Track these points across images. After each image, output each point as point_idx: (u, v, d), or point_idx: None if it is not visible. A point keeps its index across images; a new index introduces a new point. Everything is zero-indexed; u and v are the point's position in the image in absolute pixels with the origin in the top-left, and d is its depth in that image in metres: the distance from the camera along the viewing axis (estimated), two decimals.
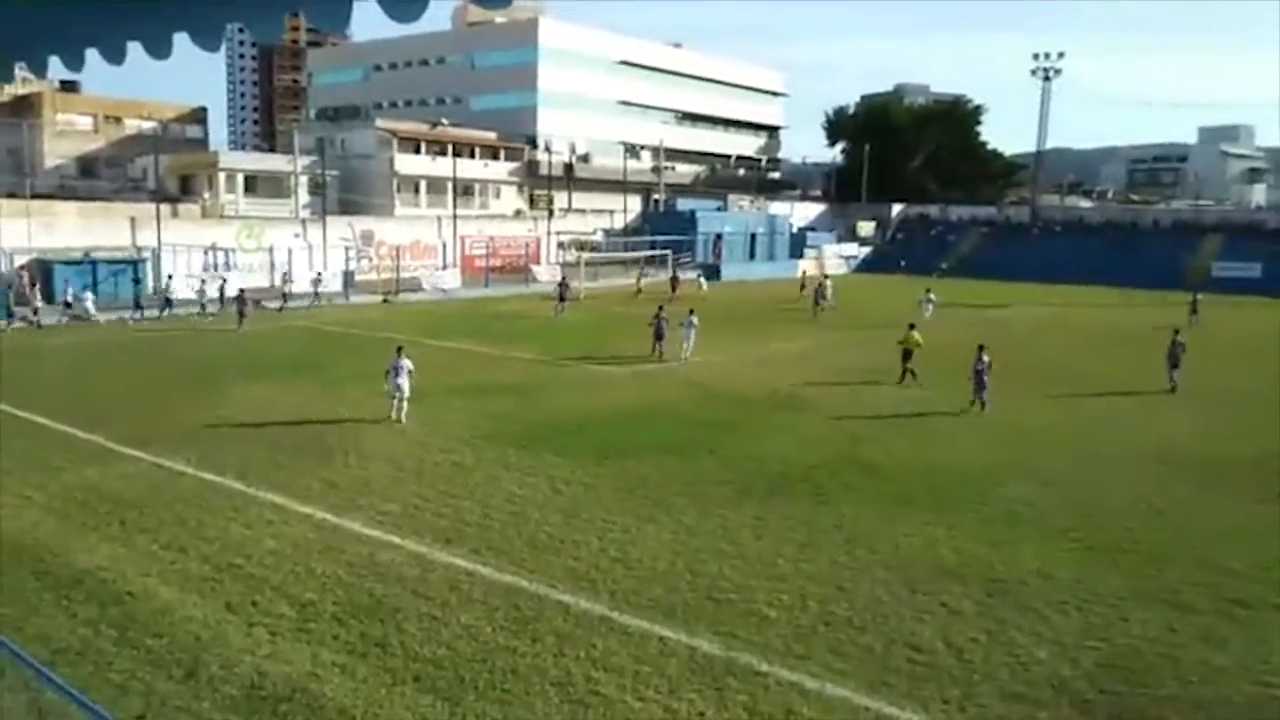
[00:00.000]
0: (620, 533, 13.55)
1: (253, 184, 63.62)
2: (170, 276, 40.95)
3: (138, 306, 37.77)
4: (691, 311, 30.92)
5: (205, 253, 44.44)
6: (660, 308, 30.97)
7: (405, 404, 20.09)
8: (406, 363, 20.19)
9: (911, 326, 27.10)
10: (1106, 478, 17.21)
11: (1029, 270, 64.62)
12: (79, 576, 11.51)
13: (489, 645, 10.00)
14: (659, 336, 29.67)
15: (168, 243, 43.15)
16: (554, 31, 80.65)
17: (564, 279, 44.45)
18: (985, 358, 22.71)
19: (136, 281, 40.87)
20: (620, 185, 75.62)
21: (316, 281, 44.00)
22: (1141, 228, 76.09)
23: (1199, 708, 9.15)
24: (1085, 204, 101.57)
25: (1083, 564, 12.77)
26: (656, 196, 79.54)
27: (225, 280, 40.74)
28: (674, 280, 51.11)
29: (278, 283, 43.30)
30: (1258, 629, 10.87)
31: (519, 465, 16.95)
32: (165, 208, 47.48)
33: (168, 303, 38.35)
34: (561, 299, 42.19)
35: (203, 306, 38.57)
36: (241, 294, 36.21)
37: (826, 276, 47.26)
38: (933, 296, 40.54)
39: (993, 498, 15.67)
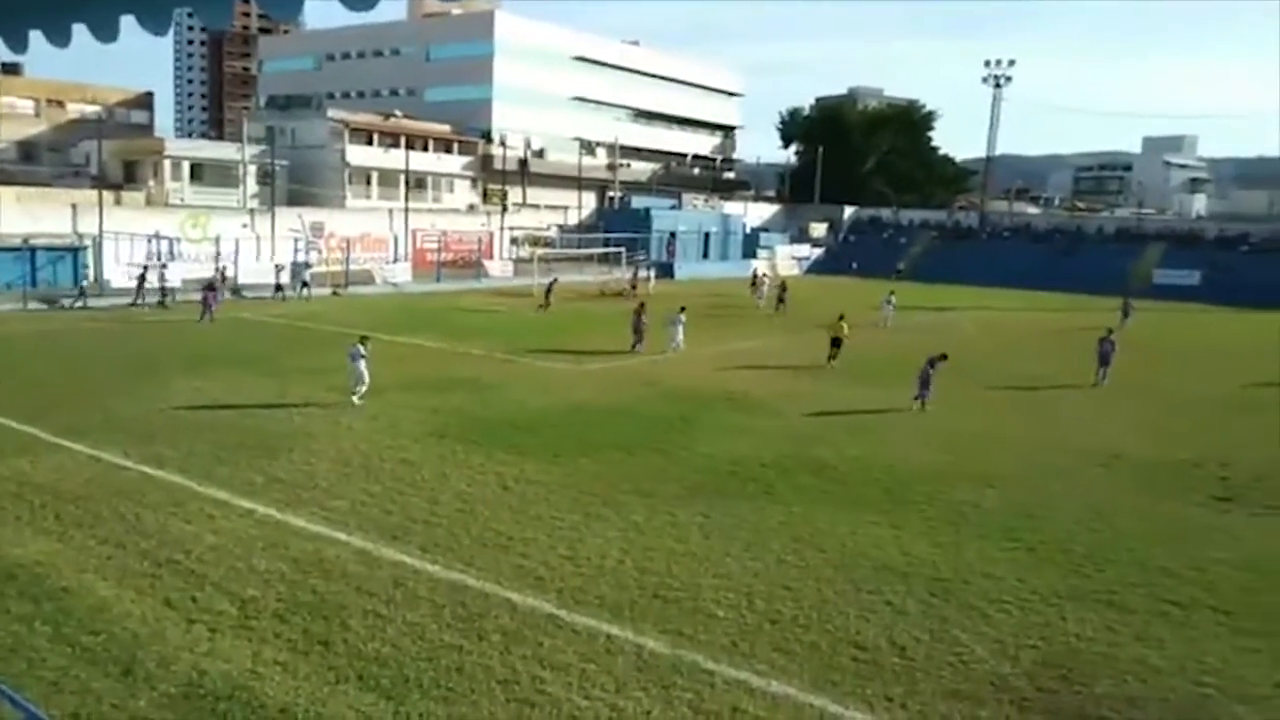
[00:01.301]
0: (569, 530, 13.51)
1: (199, 172, 62.51)
2: (85, 266, 40.10)
3: (81, 294, 36.89)
4: (682, 309, 31.63)
5: (149, 241, 43.48)
6: (641, 305, 31.59)
7: (362, 388, 20.95)
8: (360, 348, 21.06)
9: (841, 317, 29.71)
10: (1048, 479, 17.52)
11: (977, 274, 65.69)
12: (12, 571, 11.20)
13: (434, 643, 9.91)
14: (637, 332, 30.22)
15: (110, 231, 42.18)
16: (510, 25, 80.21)
17: (554, 279, 44.58)
18: (936, 367, 23.16)
19: (84, 266, 39.90)
20: (575, 181, 75.44)
21: (298, 272, 43.51)
22: (1086, 234, 77.66)
23: (1135, 706, 9.34)
24: (1033, 210, 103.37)
25: (1024, 564, 12.99)
26: (611, 193, 79.50)
27: (163, 268, 39.82)
28: (634, 279, 51.30)
29: (225, 273, 42.51)
30: (1192, 629, 11.14)
31: (469, 462, 16.83)
32: (108, 195, 46.40)
33: (81, 293, 37.42)
34: (547, 296, 42.38)
35: (143, 297, 37.67)
36: (211, 284, 35.43)
37: (780, 281, 47.88)
38: (893, 299, 41.18)
39: (938, 498, 15.87)
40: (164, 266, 39.91)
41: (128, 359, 26.00)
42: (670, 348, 30.30)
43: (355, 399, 20.91)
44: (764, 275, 51.93)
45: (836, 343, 29.27)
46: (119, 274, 40.25)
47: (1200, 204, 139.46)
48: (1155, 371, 30.71)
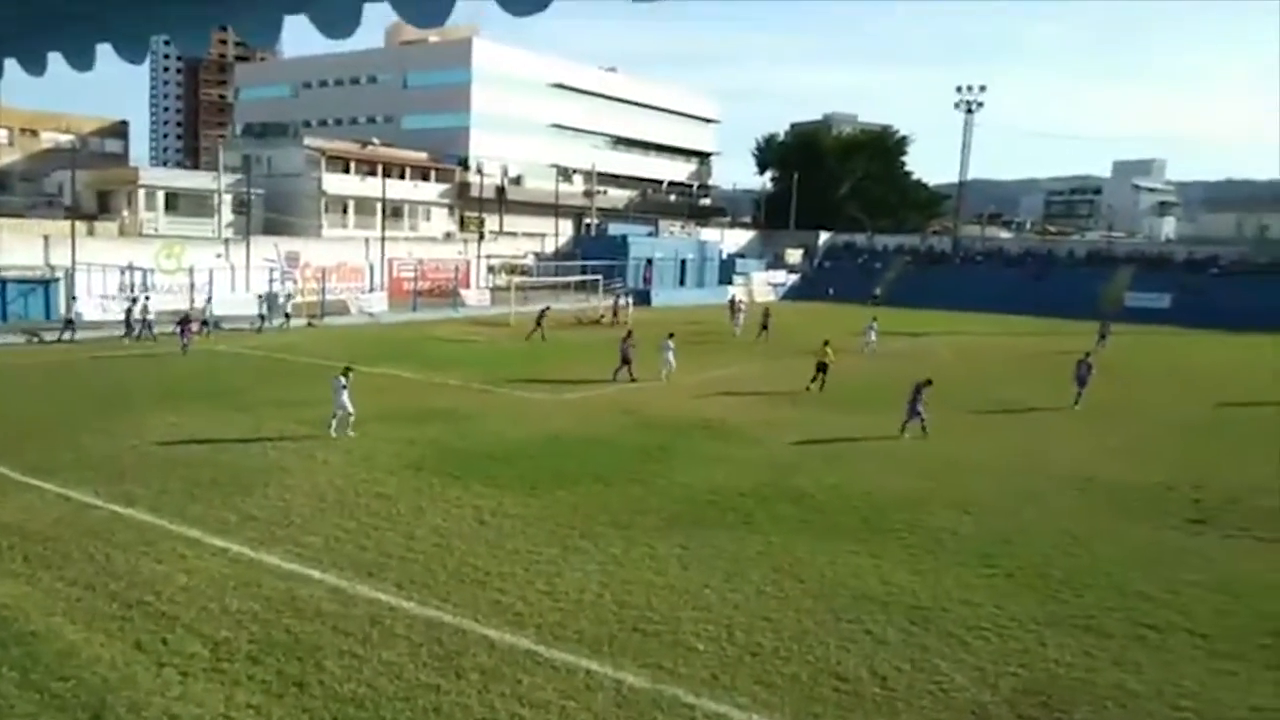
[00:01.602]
0: (547, 564, 13.42)
1: (174, 202, 62.21)
2: (74, 298, 39.55)
3: (69, 325, 36.43)
4: (670, 335, 31.71)
5: (122, 273, 43.18)
6: (629, 332, 31.68)
7: (348, 419, 20.93)
8: (343, 380, 20.98)
9: (826, 343, 30.24)
10: (1025, 504, 17.60)
11: (951, 298, 66.20)
12: None
13: (411, 683, 9.79)
14: (626, 360, 30.33)
15: (82, 262, 41.84)
16: (488, 53, 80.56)
17: (546, 307, 44.63)
18: (923, 393, 23.16)
19: (73, 298, 39.60)
20: (552, 209, 75.65)
21: (278, 302, 43.33)
22: (1058, 258, 78.52)
23: None
24: (1005, 234, 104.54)
25: (1002, 590, 13.02)
26: (588, 220, 79.74)
27: (147, 300, 39.36)
28: (616, 307, 51.29)
29: (200, 304, 42.21)
30: (1169, 653, 11.18)
31: (445, 495, 16.71)
32: (81, 225, 46.08)
33: (68, 324, 36.70)
34: (538, 324, 42.17)
35: (130, 329, 37.12)
36: (185, 316, 35.11)
37: (764, 308, 48.20)
38: (875, 325, 41.48)
39: (917, 525, 15.90)
40: (147, 299, 39.50)
41: (99, 394, 25.71)
42: (662, 374, 30.44)
43: (333, 430, 20.79)
44: (741, 302, 52.20)
45: (822, 368, 29.68)
46: (92, 306, 39.87)
47: (1169, 227, 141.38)
48: (1129, 394, 31.01)
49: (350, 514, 15.44)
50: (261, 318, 42.02)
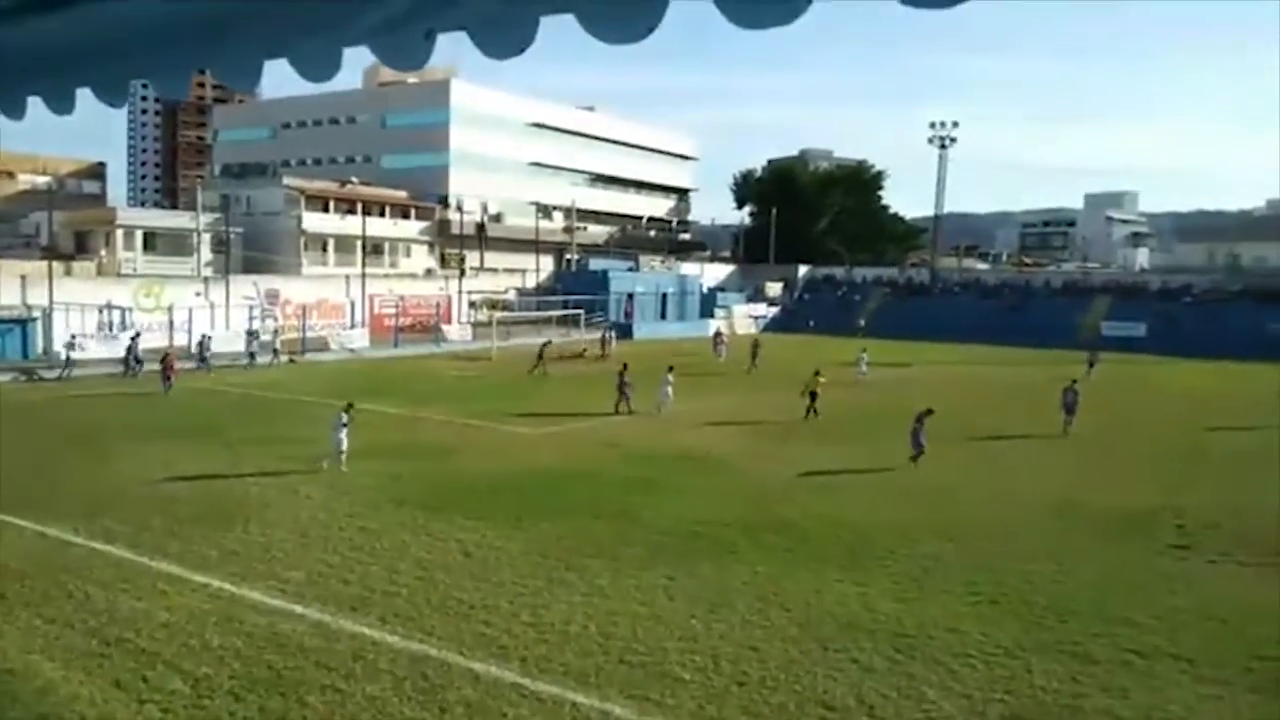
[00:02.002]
0: (532, 596, 13.33)
1: (152, 241, 62.12)
2: (74, 337, 39.40)
3: (69, 363, 36.45)
4: (670, 369, 31.98)
5: (100, 312, 42.90)
6: (624, 366, 31.80)
7: (342, 455, 20.89)
8: (344, 416, 21.10)
9: (817, 372, 30.72)
10: (1010, 531, 17.64)
11: (931, 329, 66.59)
12: None
13: (395, 717, 9.68)
14: (623, 393, 30.52)
15: (60, 301, 41.57)
16: (466, 93, 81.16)
17: (548, 341, 44.55)
18: (922, 421, 23.21)
19: (74, 337, 39.45)
20: (533, 245, 75.88)
21: (259, 338, 43.20)
22: (1035, 289, 79.25)
23: None
24: (981, 266, 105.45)
25: (987, 617, 13.02)
26: (569, 256, 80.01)
27: (137, 337, 39.14)
28: (604, 341, 51.23)
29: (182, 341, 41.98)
30: (1156, 678, 11.19)
31: (429, 529, 16.60)
32: (59, 265, 45.83)
33: (69, 362, 36.72)
34: (540, 357, 42.09)
35: (128, 366, 36.72)
36: (165, 354, 34.66)
37: (753, 340, 48.50)
38: (866, 355, 41.70)
39: (902, 554, 15.90)
40: (137, 335, 39.24)
41: (78, 431, 25.45)
42: (662, 406, 30.59)
43: (325, 465, 20.80)
44: (724, 334, 52.69)
45: (813, 397, 30.17)
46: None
47: (1143, 257, 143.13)
48: (1111, 421, 31.20)
49: (333, 548, 15.31)
50: (251, 355, 41.94)
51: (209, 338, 41.34)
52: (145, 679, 10.37)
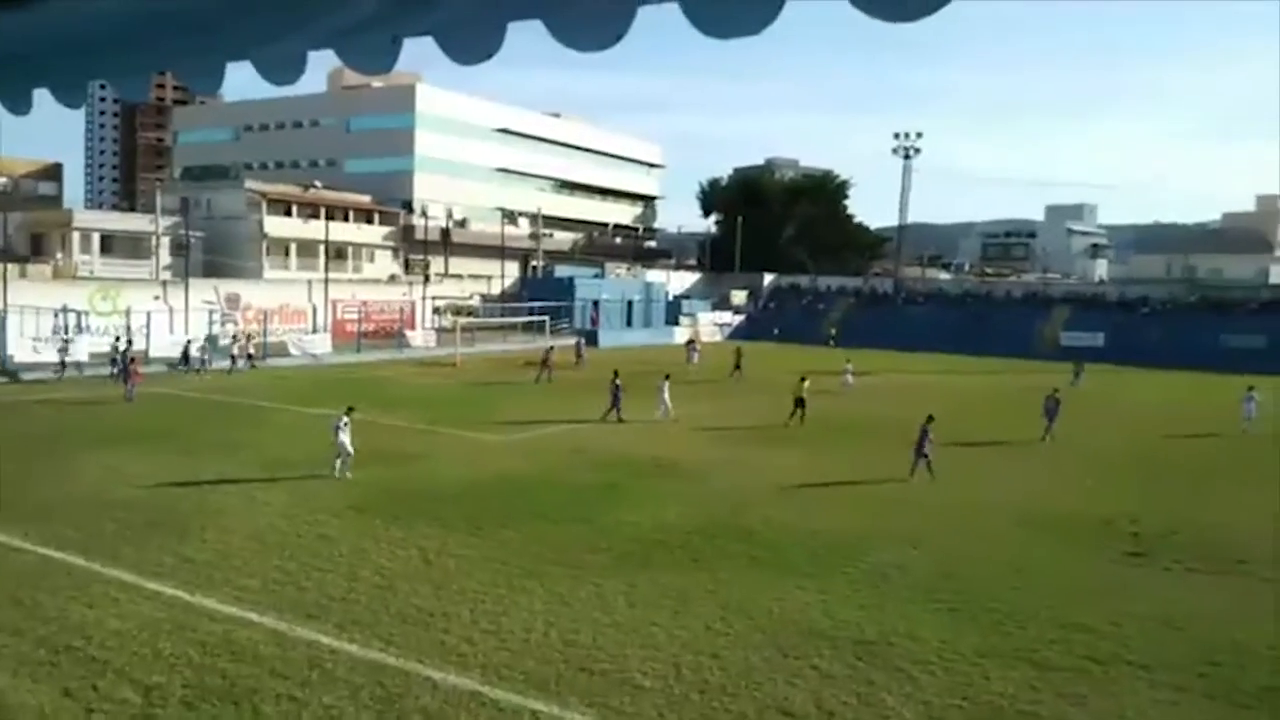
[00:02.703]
0: (493, 604, 13.23)
1: (110, 244, 61.22)
2: (68, 340, 39.35)
3: (64, 366, 36.88)
4: (667, 376, 32.49)
5: (55, 315, 42.14)
6: (615, 373, 31.71)
7: (348, 459, 20.76)
8: (344, 420, 20.91)
9: (803, 379, 31.49)
10: (969, 539, 17.78)
11: (895, 339, 67.14)
12: None
13: None
14: (615, 401, 30.51)
15: (15, 304, 40.77)
16: (431, 98, 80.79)
17: (551, 347, 44.08)
18: (929, 431, 23.03)
19: (67, 340, 39.41)
20: (498, 251, 75.64)
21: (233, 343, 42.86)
22: (996, 299, 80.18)
23: None
24: (945, 276, 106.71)
25: (947, 624, 13.10)
26: (534, 263, 79.83)
27: (130, 344, 38.77)
28: (579, 350, 50.34)
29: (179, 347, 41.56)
30: (1112, 684, 11.31)
31: (389, 536, 16.43)
32: (13, 267, 44.98)
33: (63, 365, 37.18)
34: (544, 364, 41.71)
35: (115, 368, 36.47)
36: (129, 358, 34.17)
37: (736, 348, 48.58)
38: (851, 366, 41.95)
39: (863, 561, 15.97)
40: (129, 343, 38.96)
41: (31, 437, 24.95)
42: (659, 413, 30.73)
43: (336, 473, 20.65)
44: (696, 342, 53.69)
45: (800, 403, 30.72)
46: (24, 349, 38.82)
47: (1102, 269, 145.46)
48: (1074, 430, 31.51)
49: (291, 556, 15.10)
50: (233, 358, 41.72)
51: (191, 342, 41.28)
52: (95, 688, 10.16)
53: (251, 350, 43.13)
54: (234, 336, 44.32)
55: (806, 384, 31.37)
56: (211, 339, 43.82)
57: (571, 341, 59.29)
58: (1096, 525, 19.08)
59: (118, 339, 39.42)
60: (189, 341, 41.55)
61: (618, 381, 30.94)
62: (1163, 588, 15.16)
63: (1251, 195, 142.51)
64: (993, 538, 17.95)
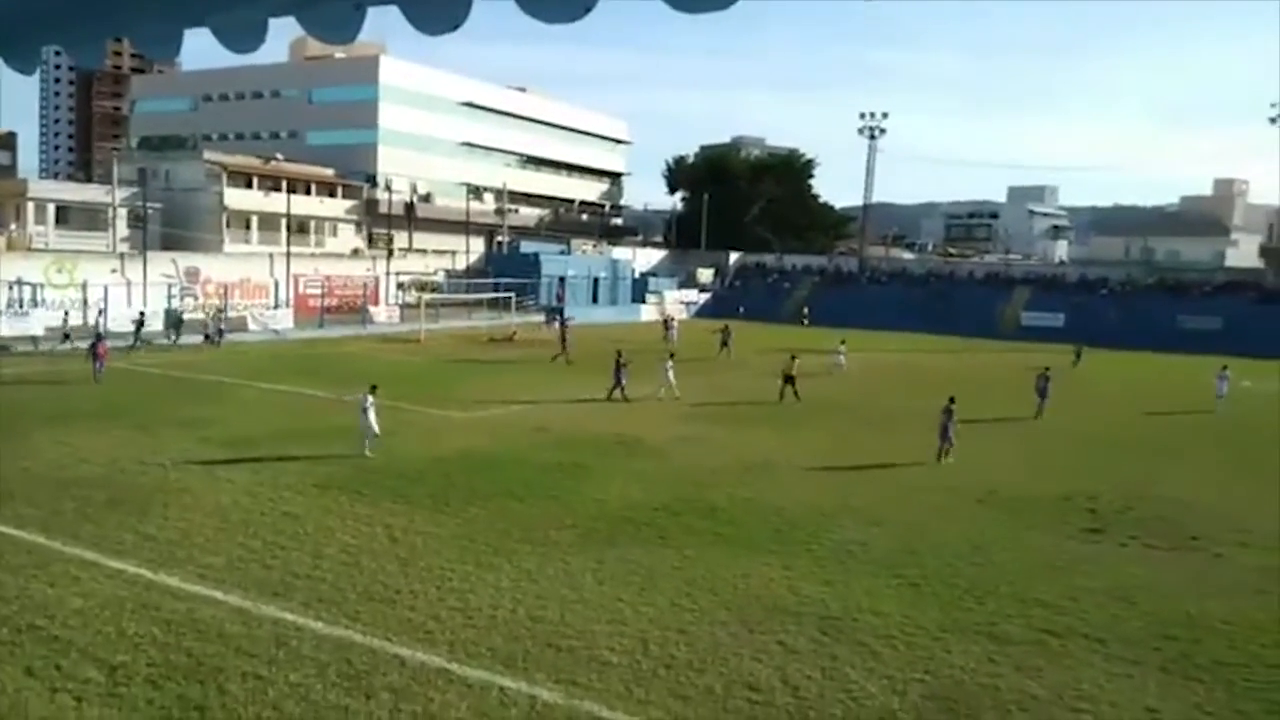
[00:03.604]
0: (460, 581, 13.24)
1: (65, 215, 59.98)
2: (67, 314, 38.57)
3: (66, 338, 36.26)
4: (671, 355, 32.79)
5: (10, 288, 41.29)
6: (619, 353, 31.57)
7: (375, 439, 20.72)
8: (370, 399, 20.93)
9: (793, 356, 32.21)
10: (931, 516, 18.04)
11: (859, 318, 67.36)
12: None
13: (319, 704, 9.54)
14: (618, 379, 30.56)
15: None
16: (396, 70, 79.66)
17: (570, 322, 43.45)
18: (953, 411, 22.95)
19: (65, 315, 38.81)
20: (463, 226, 75.03)
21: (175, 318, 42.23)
22: (959, 279, 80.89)
23: None
24: (908, 256, 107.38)
25: (909, 599, 13.31)
26: (500, 239, 79.31)
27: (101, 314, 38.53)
28: (563, 329, 45.70)
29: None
30: (1068, 658, 11.56)
31: (354, 513, 16.36)
32: None
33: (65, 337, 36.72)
34: (564, 341, 41.11)
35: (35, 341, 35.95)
36: (98, 335, 33.18)
37: (723, 326, 48.67)
38: (844, 347, 41.92)
39: (827, 538, 16.16)
40: (101, 313, 39.04)
41: None
42: (662, 390, 30.90)
43: (368, 451, 20.60)
44: (673, 319, 54.12)
45: (790, 380, 31.41)
46: None
47: (1062, 250, 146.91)
48: (1028, 409, 31.95)
49: (255, 533, 15.00)
50: (208, 335, 41.16)
51: (144, 314, 40.68)
52: (59, 667, 10.06)
53: (223, 326, 42.49)
54: (217, 311, 43.86)
55: (797, 362, 31.87)
56: (171, 313, 43.10)
57: (536, 319, 59.39)
58: (1054, 503, 19.41)
59: (67, 313, 38.78)
60: (141, 314, 40.77)
61: (621, 361, 30.91)
62: (1118, 563, 15.49)
63: (1209, 179, 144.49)
64: (954, 515, 18.22)
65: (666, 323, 52.62)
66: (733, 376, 36.23)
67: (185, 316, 43.29)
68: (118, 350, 36.46)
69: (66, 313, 39.17)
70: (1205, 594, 14.02)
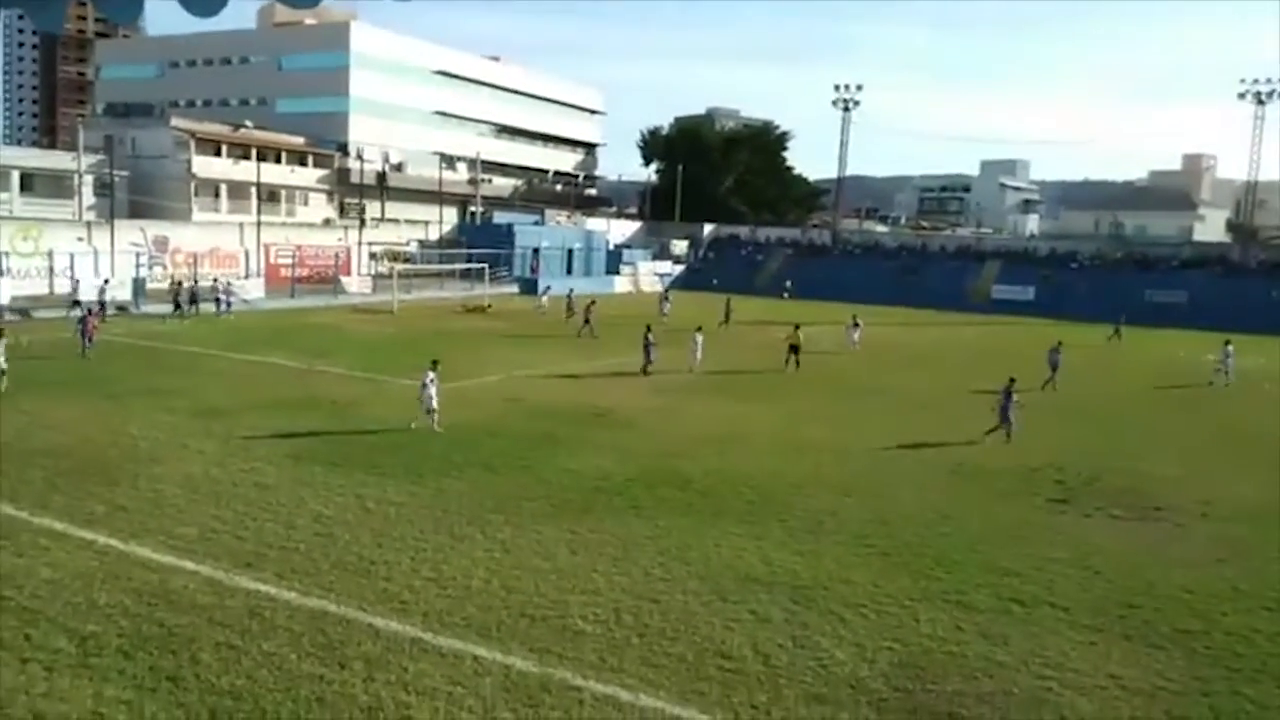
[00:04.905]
0: (433, 552, 13.27)
1: (30, 182, 58.87)
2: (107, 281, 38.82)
3: (76, 305, 35.81)
4: (699, 328, 33.35)
5: None
6: (648, 327, 32.07)
7: (435, 413, 20.59)
8: (431, 375, 20.84)
9: (797, 326, 33.43)
10: (901, 486, 18.24)
11: (832, 290, 67.65)
12: None
13: (293, 674, 9.56)
14: (647, 353, 30.82)
15: None
16: (367, 37, 78.54)
17: (593, 300, 42.67)
18: (1014, 394, 22.64)
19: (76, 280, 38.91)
20: (436, 196, 74.41)
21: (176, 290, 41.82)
22: (931, 252, 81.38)
23: (983, 700, 9.81)
24: (881, 229, 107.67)
25: (878, 568, 13.49)
26: (473, 209, 78.75)
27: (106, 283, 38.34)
28: (570, 301, 46.30)
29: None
30: (1034, 625, 11.78)
31: (327, 484, 16.31)
32: None
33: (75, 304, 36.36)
34: (586, 321, 40.20)
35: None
36: (88, 309, 32.44)
37: (726, 299, 49.07)
38: (859, 322, 41.54)
39: (798, 508, 16.31)
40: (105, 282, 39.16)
41: None
42: (693, 363, 31.42)
43: (435, 426, 20.50)
44: (668, 293, 56.08)
45: (794, 349, 32.54)
46: None
47: (1033, 224, 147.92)
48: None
49: (227, 504, 14.94)
50: (178, 305, 40.53)
51: (108, 282, 40.14)
52: (28, 637, 10.01)
53: (221, 295, 41.96)
54: (228, 283, 44.16)
55: (801, 332, 32.85)
56: (138, 282, 42.53)
57: (510, 290, 59.24)
58: (1022, 474, 19.64)
59: (77, 281, 39.59)
60: (105, 282, 40.12)
61: (650, 336, 31.18)
62: (1084, 533, 15.75)
63: (1178, 155, 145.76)
64: (923, 485, 18.43)
65: (663, 296, 53.29)
66: (733, 349, 36.18)
67: (151, 285, 42.75)
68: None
69: (77, 281, 39.91)
70: (1167, 564, 14.31)
